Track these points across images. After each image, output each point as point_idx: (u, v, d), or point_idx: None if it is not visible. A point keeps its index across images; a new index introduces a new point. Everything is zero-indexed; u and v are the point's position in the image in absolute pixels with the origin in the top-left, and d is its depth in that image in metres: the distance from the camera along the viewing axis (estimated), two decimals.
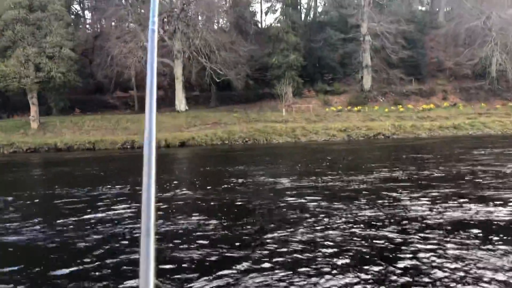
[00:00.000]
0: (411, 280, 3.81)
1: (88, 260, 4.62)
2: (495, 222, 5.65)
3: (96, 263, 4.53)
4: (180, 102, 36.36)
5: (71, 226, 6.29)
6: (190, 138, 27.78)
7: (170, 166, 15.81)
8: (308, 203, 7.41)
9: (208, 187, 9.75)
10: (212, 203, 7.89)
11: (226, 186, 9.87)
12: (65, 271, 4.30)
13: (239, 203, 7.91)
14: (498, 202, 6.81)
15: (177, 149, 25.61)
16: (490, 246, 4.62)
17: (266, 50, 38.76)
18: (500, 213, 6.12)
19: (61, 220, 6.65)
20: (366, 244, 4.84)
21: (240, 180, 10.75)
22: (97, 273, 4.23)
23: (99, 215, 7.02)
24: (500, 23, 39.19)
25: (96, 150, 26.62)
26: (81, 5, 49.92)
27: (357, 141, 26.98)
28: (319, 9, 49.72)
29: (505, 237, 4.94)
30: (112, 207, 7.63)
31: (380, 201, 7.29)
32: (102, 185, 10.44)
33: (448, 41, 45.04)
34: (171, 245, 5.11)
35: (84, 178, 12.90)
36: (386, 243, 4.88)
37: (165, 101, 37.86)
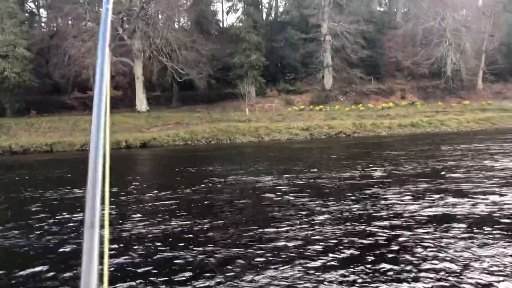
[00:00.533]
0: (400, 272, 3.86)
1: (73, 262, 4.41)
2: (477, 215, 5.83)
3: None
4: (141, 102, 35.67)
5: (49, 229, 6.02)
6: (151, 139, 27.27)
7: (132, 167, 15.45)
8: (289, 200, 7.39)
9: (176, 188, 9.55)
10: (181, 203, 7.72)
11: (195, 186, 9.69)
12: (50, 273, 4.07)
13: (209, 201, 7.79)
14: (476, 196, 7.02)
15: (138, 150, 25.09)
16: (473, 237, 4.75)
17: (228, 49, 38.64)
18: (480, 206, 6.31)
19: (38, 224, 6.35)
20: (354, 239, 4.84)
21: (208, 180, 10.61)
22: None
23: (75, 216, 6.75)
24: (454, 24, 40.59)
25: (54, 152, 25.70)
26: (36, 2, 48.07)
27: (319, 140, 27.24)
28: (280, 9, 50.00)
29: (487, 228, 5.09)
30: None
31: (362, 197, 7.37)
32: (68, 187, 10.04)
33: (406, 41, 46.30)
34: (136, 246, 4.92)
35: (47, 180, 12.40)
36: (375, 238, 4.92)
37: (125, 101, 37.04)
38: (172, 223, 6.14)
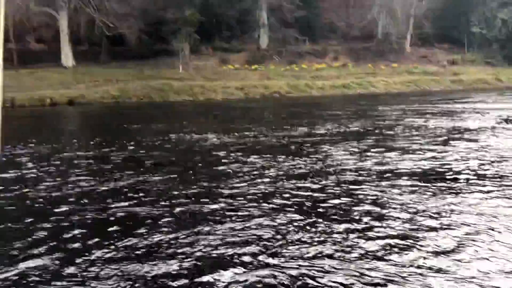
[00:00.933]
0: (351, 221, 3.96)
1: None
2: (421, 169, 6.12)
3: None
4: (67, 57, 33.52)
5: None
6: (79, 96, 25.85)
7: (63, 125, 14.60)
8: (238, 158, 7.29)
9: (116, 145, 9.12)
10: (127, 160, 7.40)
11: (138, 144, 9.31)
12: None
13: (155, 159, 7.51)
14: (418, 152, 7.40)
15: (65, 107, 23.74)
16: (419, 190, 4.98)
17: (160, 3, 36.91)
18: (423, 162, 6.67)
19: None
20: (307, 194, 4.87)
21: (149, 138, 10.24)
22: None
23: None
24: None
25: None
26: None
27: (254, 100, 27.24)
28: None
29: (432, 182, 5.36)
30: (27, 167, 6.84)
31: (310, 154, 7.45)
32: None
33: (340, 3, 46.75)
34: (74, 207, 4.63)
35: None
36: (326, 193, 4.98)
37: (49, 56, 34.59)
38: (121, 181, 5.87)
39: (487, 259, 3.07)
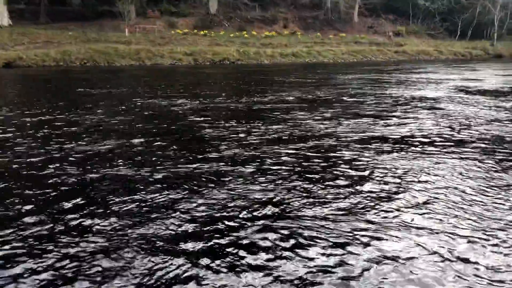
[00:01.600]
0: (341, 187, 4.07)
1: None
2: (398, 134, 6.41)
3: None
4: (2, 16, 31.41)
5: None
6: (17, 58, 24.38)
7: (6, 90, 13.78)
8: (214, 123, 7.19)
9: (73, 110, 8.70)
10: (93, 125, 7.10)
11: (92, 109, 8.93)
12: None
13: (118, 125, 7.17)
14: (388, 119, 7.73)
15: (1, 70, 22.37)
16: (401, 154, 5.25)
17: None
18: (393, 127, 6.98)
19: None
20: (291, 159, 4.95)
21: (103, 103, 9.85)
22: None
23: None
24: None
25: None
26: None
27: (203, 66, 26.86)
28: None
29: (401, 145, 5.67)
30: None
31: (286, 120, 7.49)
32: None
33: None
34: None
35: None
36: (305, 157, 5.10)
37: None
38: (98, 145, 5.67)
39: (455, 212, 3.41)
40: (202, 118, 7.81)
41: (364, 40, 40.28)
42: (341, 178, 4.25)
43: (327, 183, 4.08)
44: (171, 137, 6.32)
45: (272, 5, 43.94)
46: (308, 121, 7.52)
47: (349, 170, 4.47)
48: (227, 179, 4.23)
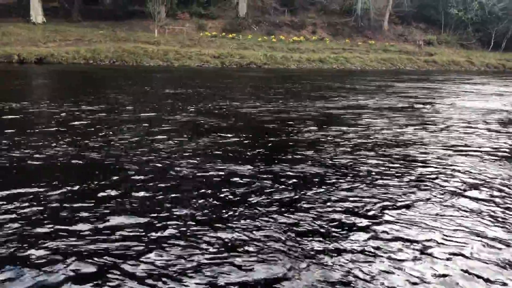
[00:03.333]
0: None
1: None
2: (491, 147, 6.12)
3: None
4: (37, 13, 32.13)
5: None
6: (48, 55, 24.91)
7: (31, 82, 14.05)
8: (295, 127, 7.32)
9: (114, 104, 8.89)
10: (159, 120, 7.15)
11: (135, 103, 9.05)
12: None
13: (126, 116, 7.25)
14: (479, 130, 7.71)
15: (33, 66, 22.84)
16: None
17: None
18: (488, 139, 6.77)
19: None
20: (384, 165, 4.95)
21: (182, 102, 10.00)
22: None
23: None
24: None
25: None
26: None
27: (230, 69, 26.88)
28: None
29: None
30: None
31: (370, 126, 7.65)
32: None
33: None
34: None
35: None
36: (405, 167, 5.03)
37: (18, 10, 33.12)
38: (197, 141, 5.78)
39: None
40: (281, 122, 7.92)
41: (394, 48, 39.68)
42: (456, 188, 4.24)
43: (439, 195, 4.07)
44: (259, 137, 6.55)
45: (302, 10, 43.72)
46: (387, 127, 7.61)
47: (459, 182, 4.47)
48: (329, 181, 4.31)
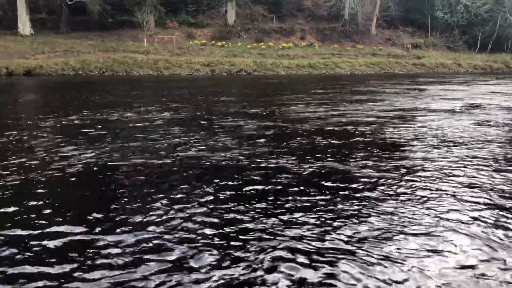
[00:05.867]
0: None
1: None
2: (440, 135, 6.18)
3: None
4: (24, 25, 31.99)
5: None
6: (37, 67, 24.77)
7: (20, 96, 13.93)
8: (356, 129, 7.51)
9: (85, 114, 8.78)
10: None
11: (106, 112, 8.96)
12: None
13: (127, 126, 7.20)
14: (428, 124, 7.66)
15: (22, 78, 22.68)
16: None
17: None
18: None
19: None
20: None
21: (117, 110, 9.85)
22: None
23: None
24: None
25: None
26: None
27: (221, 77, 26.89)
28: None
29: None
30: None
31: (412, 123, 7.66)
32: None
33: None
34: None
35: None
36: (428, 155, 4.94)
37: (5, 23, 32.95)
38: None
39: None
40: (333, 125, 8.16)
41: (382, 52, 40.01)
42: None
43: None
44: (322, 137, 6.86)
45: (290, 17, 43.99)
46: (451, 127, 7.99)
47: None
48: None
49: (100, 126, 7.93)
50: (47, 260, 2.81)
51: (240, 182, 4.46)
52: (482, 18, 44.66)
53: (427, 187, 4.30)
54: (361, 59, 36.62)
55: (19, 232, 3.22)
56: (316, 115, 9.49)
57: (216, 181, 4.46)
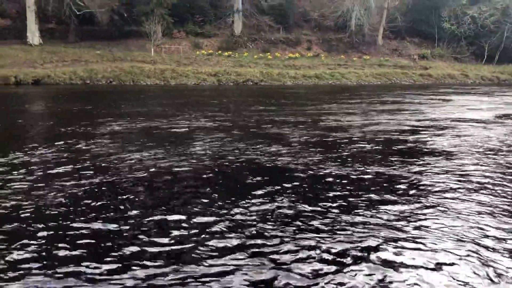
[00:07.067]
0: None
1: None
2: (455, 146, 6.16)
3: None
4: (33, 35, 32.27)
5: None
6: (45, 76, 24.95)
7: (29, 106, 14.02)
8: (281, 132, 7.30)
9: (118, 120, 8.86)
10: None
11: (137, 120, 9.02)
12: None
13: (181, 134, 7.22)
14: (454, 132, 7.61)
15: (30, 87, 22.85)
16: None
17: None
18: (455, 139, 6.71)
19: None
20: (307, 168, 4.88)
21: (125, 121, 9.89)
22: None
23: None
24: None
25: None
26: None
27: (227, 87, 26.97)
28: None
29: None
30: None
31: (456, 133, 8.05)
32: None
33: None
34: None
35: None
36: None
37: (14, 32, 33.26)
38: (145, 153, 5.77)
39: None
40: (391, 133, 8.35)
41: (389, 62, 40.00)
42: None
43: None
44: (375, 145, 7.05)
45: (296, 28, 44.15)
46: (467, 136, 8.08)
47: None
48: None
49: (145, 133, 8.22)
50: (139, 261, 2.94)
51: (306, 186, 4.70)
52: (489, 29, 44.59)
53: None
54: (367, 69, 36.61)
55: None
56: (350, 124, 9.67)
57: (275, 183, 4.75)
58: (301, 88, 26.57)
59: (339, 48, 42.65)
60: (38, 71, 25.55)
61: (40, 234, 3.36)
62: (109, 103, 14.78)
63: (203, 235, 3.32)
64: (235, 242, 3.18)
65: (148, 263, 2.90)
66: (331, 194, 4.38)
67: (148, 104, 14.69)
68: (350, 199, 4.25)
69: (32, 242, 3.21)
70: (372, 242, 3.18)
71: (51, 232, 3.40)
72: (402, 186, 4.71)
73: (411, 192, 4.54)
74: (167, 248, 3.12)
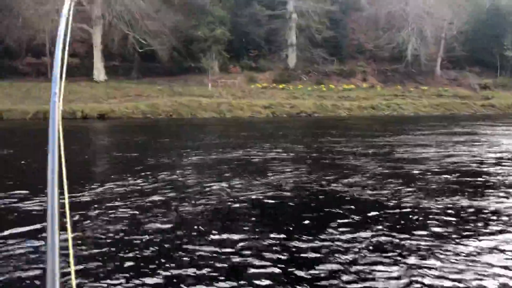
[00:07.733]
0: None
1: None
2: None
3: None
4: (99, 72, 34.40)
5: None
6: (110, 111, 26.39)
7: (92, 139, 14.89)
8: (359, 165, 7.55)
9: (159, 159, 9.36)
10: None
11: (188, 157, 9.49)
12: None
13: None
14: None
15: (96, 121, 24.24)
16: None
17: (192, 22, 37.63)
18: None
19: None
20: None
21: (193, 154, 10.33)
22: None
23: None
24: (417, 9, 41.27)
25: (4, 120, 24.40)
26: None
27: (281, 118, 27.25)
28: None
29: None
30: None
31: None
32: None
33: (369, 24, 46.69)
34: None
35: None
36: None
37: (81, 70, 35.53)
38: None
39: None
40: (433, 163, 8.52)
41: (447, 92, 38.89)
42: None
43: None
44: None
45: (350, 59, 44.16)
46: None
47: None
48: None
49: (236, 163, 8.73)
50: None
51: (395, 217, 4.95)
52: None
53: None
54: (425, 100, 35.79)
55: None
56: (423, 156, 9.60)
57: (358, 214, 4.98)
58: (357, 119, 26.36)
59: (395, 79, 42.07)
60: (103, 106, 27.08)
61: (148, 255, 3.82)
62: (177, 135, 15.44)
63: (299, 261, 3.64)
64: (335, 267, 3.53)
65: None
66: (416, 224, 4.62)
67: (215, 136, 15.25)
68: (436, 229, 4.44)
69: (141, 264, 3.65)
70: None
71: (162, 256, 3.84)
72: (493, 217, 4.78)
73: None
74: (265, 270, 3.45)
